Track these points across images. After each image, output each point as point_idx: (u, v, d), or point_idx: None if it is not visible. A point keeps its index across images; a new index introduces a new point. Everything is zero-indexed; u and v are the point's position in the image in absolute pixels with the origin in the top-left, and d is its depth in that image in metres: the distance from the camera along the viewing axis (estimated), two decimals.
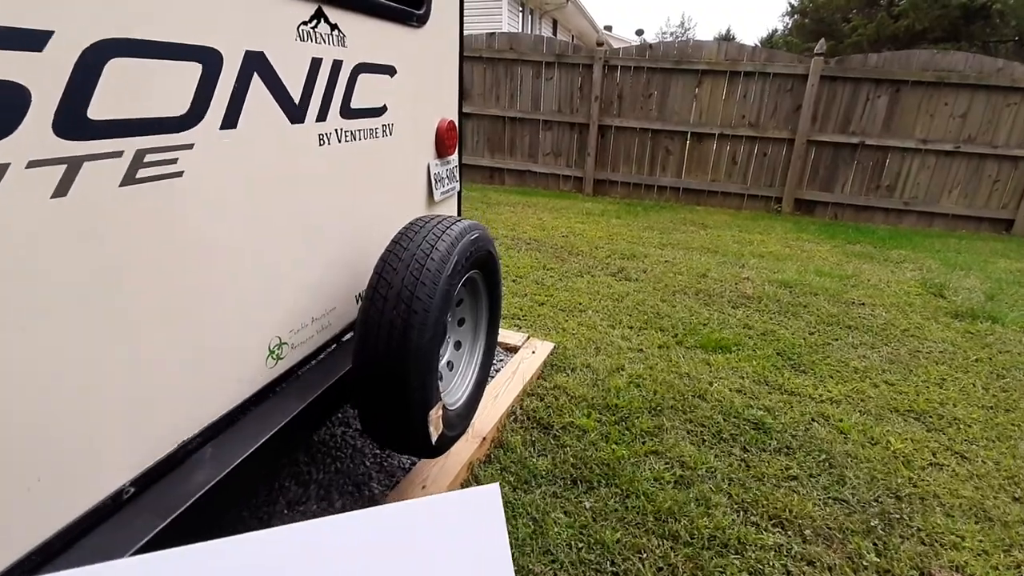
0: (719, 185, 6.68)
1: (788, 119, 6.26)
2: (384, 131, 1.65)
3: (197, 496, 1.00)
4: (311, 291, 1.42)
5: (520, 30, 12.66)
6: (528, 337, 2.89)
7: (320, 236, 1.42)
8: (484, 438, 2.03)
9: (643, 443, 2.16)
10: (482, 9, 10.51)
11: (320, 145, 1.35)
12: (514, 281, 3.80)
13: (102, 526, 0.92)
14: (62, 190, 0.78)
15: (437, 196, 2.06)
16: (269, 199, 1.20)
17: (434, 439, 1.39)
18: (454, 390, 1.71)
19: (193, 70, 0.97)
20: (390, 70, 1.63)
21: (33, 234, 0.76)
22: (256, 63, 1.11)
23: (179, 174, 0.97)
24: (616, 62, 6.47)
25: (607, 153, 6.86)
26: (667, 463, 2.05)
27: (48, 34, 0.74)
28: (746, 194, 6.66)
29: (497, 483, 0.73)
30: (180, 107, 0.95)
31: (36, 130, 0.74)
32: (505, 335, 2.88)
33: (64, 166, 0.78)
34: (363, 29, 1.46)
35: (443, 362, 1.70)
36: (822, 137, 6.17)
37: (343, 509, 1.71)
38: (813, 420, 2.39)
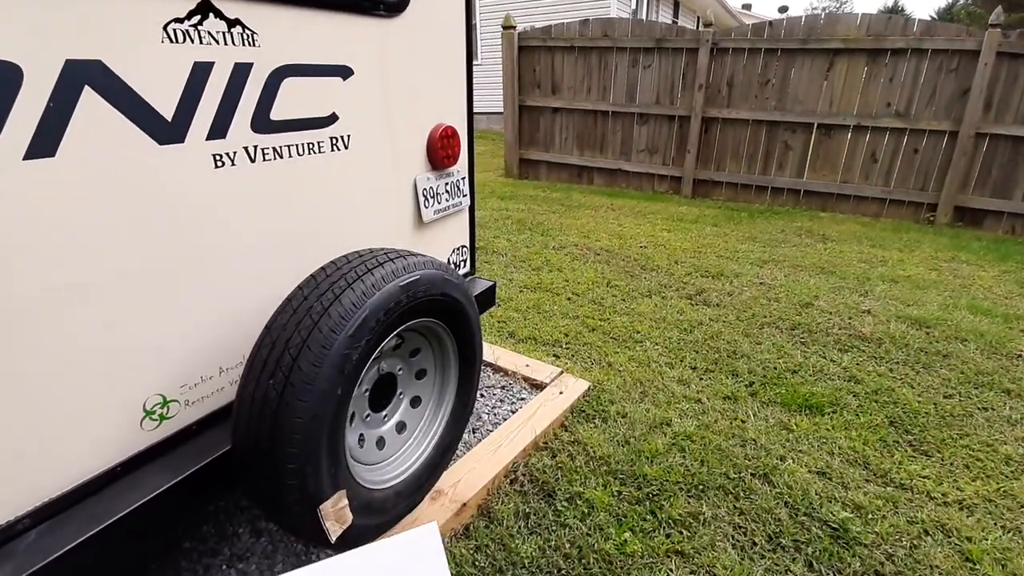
0: (852, 188, 5.57)
1: (950, 106, 5.00)
2: (334, 144, 1.38)
3: None
4: (215, 339, 1.20)
5: (635, 16, 11.87)
6: (561, 372, 2.50)
7: (226, 273, 1.19)
8: (465, 504, 1.71)
9: (667, 536, 1.69)
10: None
11: (217, 167, 1.12)
12: (569, 300, 3.40)
13: None
14: None
15: (428, 216, 1.77)
16: (121, 236, 0.99)
17: (333, 536, 1.11)
18: (403, 458, 1.42)
19: None
20: (342, 71, 1.36)
21: None
22: (87, 74, 0.89)
23: None
24: (727, 44, 5.65)
25: (711, 149, 6.06)
26: (692, 573, 1.57)
27: None
28: (888, 199, 5.48)
29: (434, 522, 0.69)
30: None
31: None
32: (535, 368, 2.52)
33: None
34: (289, 23, 1.21)
35: (390, 424, 1.42)
36: (998, 129, 4.83)
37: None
38: (926, 533, 1.73)
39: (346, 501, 1.13)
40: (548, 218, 5.21)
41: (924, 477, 1.97)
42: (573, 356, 2.75)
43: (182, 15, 1.00)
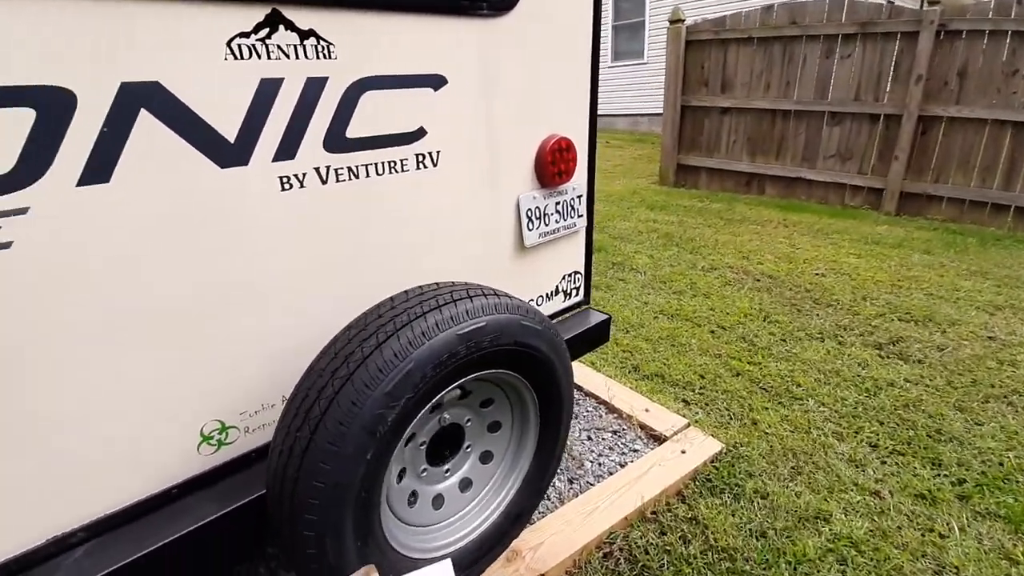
0: None
1: None
2: (420, 161, 1.25)
3: None
4: (278, 368, 1.15)
5: None
6: (687, 425, 2.10)
7: (291, 301, 1.13)
8: (544, 574, 1.48)
9: None
10: None
11: (284, 190, 1.05)
12: (712, 333, 2.92)
13: None
14: None
15: (532, 240, 1.56)
16: (179, 262, 0.96)
17: None
18: (464, 522, 1.23)
19: (19, 118, 0.77)
20: (433, 81, 1.22)
21: None
22: (143, 97, 0.86)
23: (5, 245, 0.79)
24: (959, 26, 4.43)
25: (928, 156, 4.83)
26: None
27: None
28: None
29: (448, 560, 0.69)
30: (1, 165, 0.76)
31: None
32: (656, 415, 2.16)
33: None
34: (371, 31, 1.09)
35: (452, 480, 1.24)
36: None
37: None
38: None
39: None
40: (702, 233, 4.64)
41: None
42: (707, 405, 2.31)
43: (248, 29, 0.94)
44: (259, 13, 0.94)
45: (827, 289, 3.42)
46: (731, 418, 2.22)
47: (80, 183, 0.83)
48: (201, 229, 0.97)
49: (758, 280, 3.61)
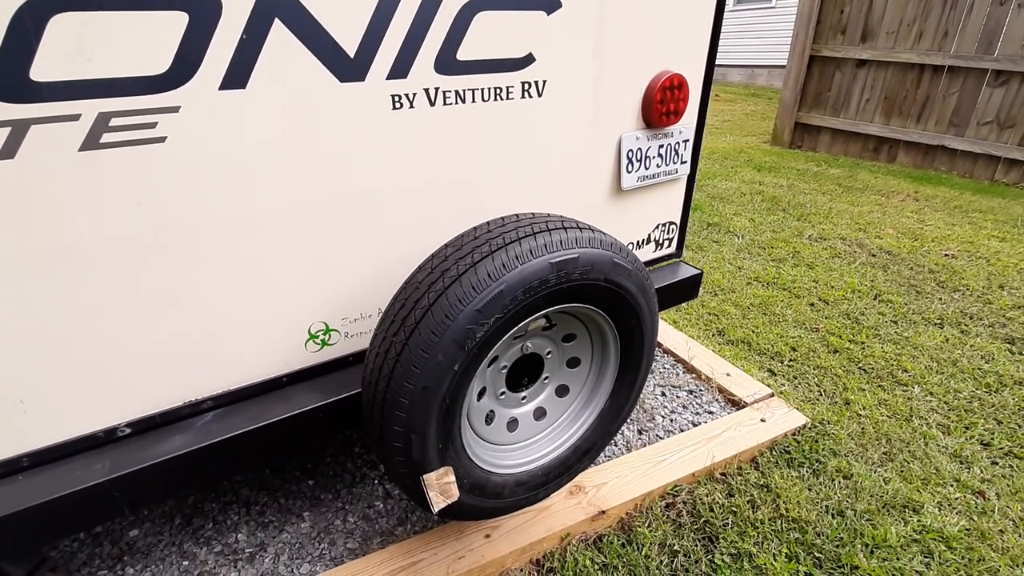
0: None
1: None
2: (526, 90, 1.24)
3: (151, 463, 1.01)
4: (376, 280, 1.22)
5: None
6: (771, 395, 2.01)
7: (392, 217, 1.19)
8: (604, 512, 1.52)
9: None
10: None
11: (395, 108, 1.09)
12: (811, 306, 2.71)
13: (87, 454, 1.02)
14: (8, 152, 0.79)
15: (629, 182, 1.52)
16: (303, 171, 1.04)
17: (435, 507, 1.06)
18: (534, 447, 1.28)
19: (173, 21, 0.84)
20: (546, 4, 1.18)
21: None
22: (278, 6, 0.91)
23: (160, 139, 0.89)
24: None
25: None
26: None
27: None
28: None
29: None
30: (158, 65, 0.85)
31: None
32: (737, 379, 2.09)
33: (8, 129, 0.78)
34: None
35: (527, 408, 1.28)
36: None
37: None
38: None
39: (453, 478, 1.06)
40: (814, 199, 4.25)
41: None
42: (795, 379, 2.19)
43: None
44: None
45: (956, 272, 3.04)
46: (821, 394, 2.10)
47: (222, 87, 0.91)
48: (319, 139, 1.03)
49: (873, 255, 3.28)
